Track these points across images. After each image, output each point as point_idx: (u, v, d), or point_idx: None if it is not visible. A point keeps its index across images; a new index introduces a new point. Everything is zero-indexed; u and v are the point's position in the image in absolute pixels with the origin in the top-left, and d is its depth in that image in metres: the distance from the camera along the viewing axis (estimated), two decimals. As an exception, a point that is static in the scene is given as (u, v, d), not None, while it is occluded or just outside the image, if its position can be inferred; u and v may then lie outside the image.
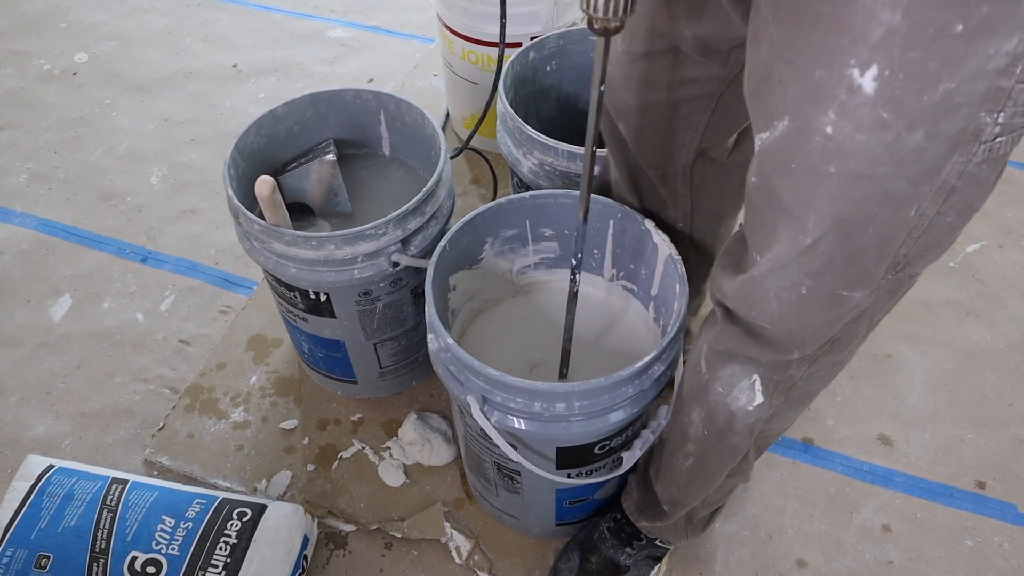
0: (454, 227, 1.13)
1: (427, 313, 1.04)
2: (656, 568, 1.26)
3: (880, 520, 1.32)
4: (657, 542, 1.25)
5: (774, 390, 0.91)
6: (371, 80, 2.15)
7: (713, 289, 0.89)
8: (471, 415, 1.01)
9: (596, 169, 1.23)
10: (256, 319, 1.60)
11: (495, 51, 1.68)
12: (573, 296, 1.05)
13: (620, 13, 0.73)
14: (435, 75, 2.14)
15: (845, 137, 0.62)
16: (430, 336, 1.06)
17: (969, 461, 1.39)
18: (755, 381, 0.90)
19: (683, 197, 1.14)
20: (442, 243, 1.11)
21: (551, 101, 1.52)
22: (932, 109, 0.59)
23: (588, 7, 0.73)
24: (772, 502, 1.34)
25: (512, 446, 1.07)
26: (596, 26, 0.75)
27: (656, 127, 1.03)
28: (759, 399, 0.90)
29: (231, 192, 1.19)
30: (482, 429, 1.01)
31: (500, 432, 1.03)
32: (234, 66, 2.20)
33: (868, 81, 0.59)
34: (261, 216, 1.20)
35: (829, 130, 0.63)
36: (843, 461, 1.39)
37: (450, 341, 1.00)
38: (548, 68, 1.47)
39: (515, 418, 1.00)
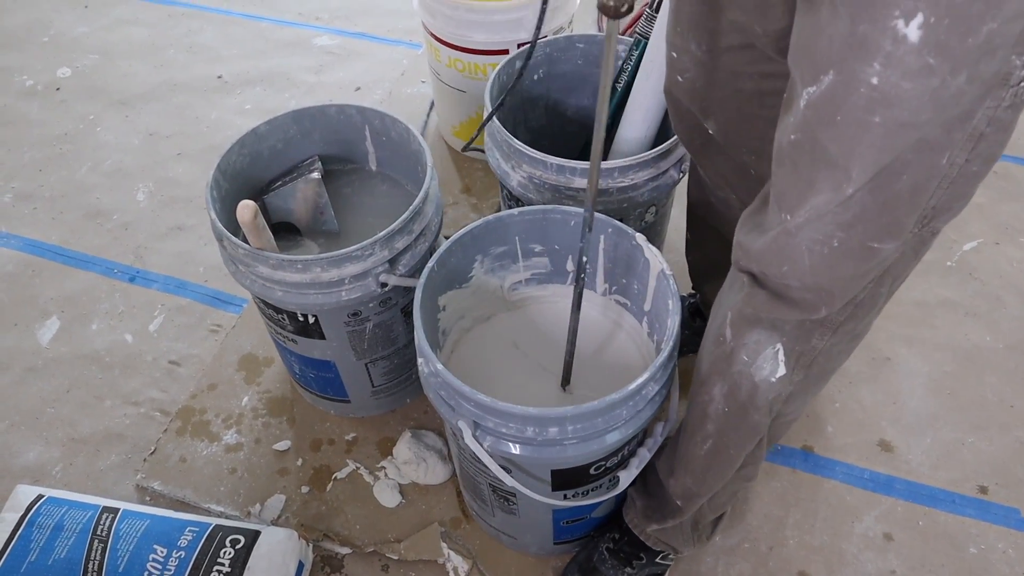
0: (442, 247, 1.11)
1: (416, 337, 1.02)
2: None
3: (882, 529, 1.31)
4: (658, 559, 1.23)
5: (796, 363, 0.92)
6: (358, 88, 2.12)
7: (737, 256, 0.88)
8: (464, 440, 0.99)
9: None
10: (247, 338, 1.58)
11: (482, 59, 1.66)
12: (576, 306, 1.05)
13: None
14: (423, 82, 2.12)
15: (891, 86, 0.64)
16: (420, 360, 1.04)
17: (971, 465, 1.37)
18: (779, 351, 0.91)
19: None
20: (430, 264, 1.08)
21: (539, 110, 1.50)
22: (975, 51, 0.61)
23: None
24: (772, 513, 1.33)
25: (506, 469, 1.05)
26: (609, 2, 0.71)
27: (749, 114, 1.02)
28: (781, 371, 0.91)
29: (214, 216, 1.17)
30: (475, 452, 0.99)
31: (493, 456, 1.01)
32: (219, 77, 2.18)
33: (913, 30, 0.60)
34: (245, 240, 1.18)
35: (875, 80, 0.64)
36: (843, 469, 1.38)
37: (439, 367, 0.98)
38: (535, 77, 1.45)
39: (508, 442, 0.98)
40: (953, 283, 1.64)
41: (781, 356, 0.91)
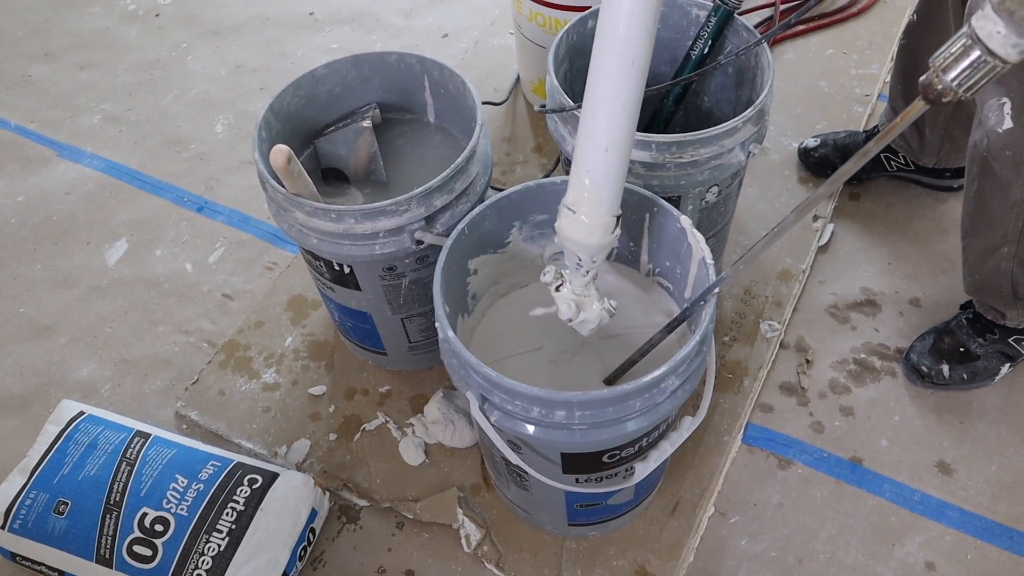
0: (475, 210, 1.07)
1: (435, 301, 0.99)
2: (1007, 367, 1.35)
3: (924, 557, 1.21)
4: (1011, 339, 1.34)
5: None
6: (445, 35, 2.08)
7: None
8: (471, 411, 0.96)
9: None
10: (299, 278, 1.58)
11: (563, 14, 1.59)
12: (667, 329, 1.03)
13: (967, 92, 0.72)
14: (511, 33, 2.05)
15: None
16: (437, 324, 1.01)
17: (1038, 502, 1.26)
18: (1004, 104, 1.06)
19: None
20: (460, 227, 1.05)
21: (611, 73, 1.42)
22: None
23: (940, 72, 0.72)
24: (806, 524, 1.25)
25: (516, 445, 1.02)
26: (932, 95, 0.73)
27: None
28: (1007, 123, 1.07)
29: (257, 157, 1.16)
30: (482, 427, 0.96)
31: (501, 432, 0.98)
32: (311, 14, 2.17)
33: None
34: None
35: None
36: (892, 487, 1.28)
37: (450, 334, 0.95)
38: (609, 38, 1.37)
39: (516, 420, 0.94)
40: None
41: (1007, 110, 1.06)
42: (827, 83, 1.84)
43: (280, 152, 1.05)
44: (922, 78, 0.74)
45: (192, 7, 2.22)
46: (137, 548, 1.17)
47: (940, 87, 0.72)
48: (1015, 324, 1.32)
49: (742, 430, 1.35)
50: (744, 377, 1.39)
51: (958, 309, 1.42)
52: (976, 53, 0.69)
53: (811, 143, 1.66)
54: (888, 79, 1.77)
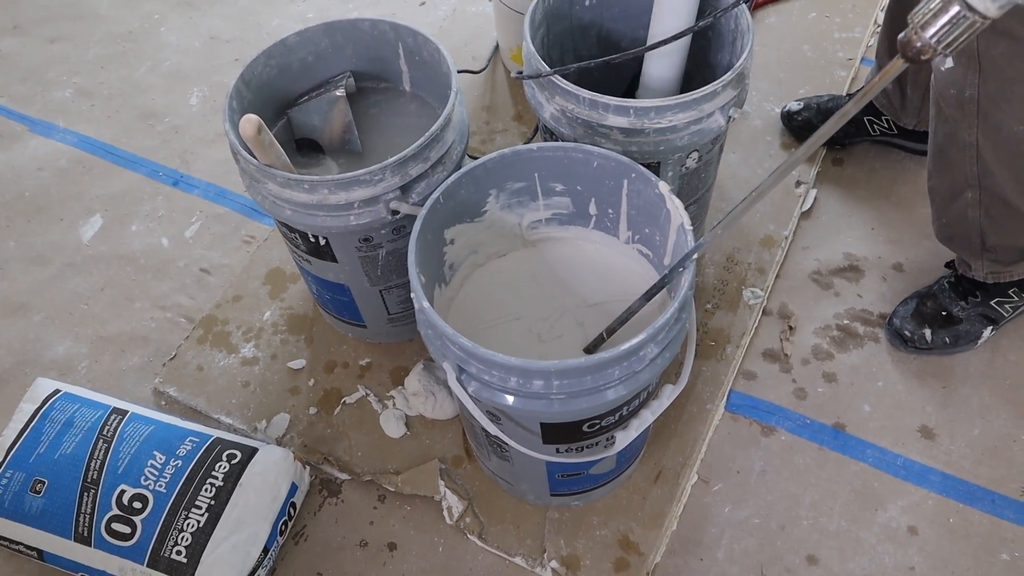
0: (449, 179, 1.05)
1: (409, 272, 0.97)
2: (989, 330, 1.35)
3: (907, 521, 1.21)
4: (993, 302, 1.34)
5: (966, 64, 1.06)
6: (423, 3, 2.04)
7: None
8: (449, 382, 0.95)
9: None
10: (277, 252, 1.56)
11: (541, -21, 1.56)
12: (647, 296, 1.02)
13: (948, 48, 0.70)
14: (489, 0, 2.02)
15: None
16: (412, 295, 0.99)
17: (1019, 465, 1.26)
18: None
19: None
20: (434, 196, 1.03)
21: (591, 39, 1.40)
22: None
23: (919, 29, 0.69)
24: (789, 490, 1.25)
25: (495, 416, 1.01)
26: (911, 52, 0.71)
27: None
28: (948, 62, 1.09)
29: (228, 127, 1.14)
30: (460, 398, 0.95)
31: (479, 403, 0.97)
32: (286, -18, 2.13)
33: None
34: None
35: None
36: (875, 452, 1.28)
37: (426, 305, 0.93)
38: (587, 2, 1.34)
39: (494, 390, 0.93)
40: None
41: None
42: (810, 47, 1.82)
43: (249, 122, 1.02)
44: (901, 35, 0.72)
45: (165, -24, 2.18)
46: (116, 526, 1.16)
47: (919, 44, 0.71)
48: (980, 277, 1.32)
49: (725, 398, 1.34)
50: (727, 344, 1.39)
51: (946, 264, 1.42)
52: (955, 8, 0.67)
53: (794, 106, 1.65)
54: (871, 43, 1.75)
